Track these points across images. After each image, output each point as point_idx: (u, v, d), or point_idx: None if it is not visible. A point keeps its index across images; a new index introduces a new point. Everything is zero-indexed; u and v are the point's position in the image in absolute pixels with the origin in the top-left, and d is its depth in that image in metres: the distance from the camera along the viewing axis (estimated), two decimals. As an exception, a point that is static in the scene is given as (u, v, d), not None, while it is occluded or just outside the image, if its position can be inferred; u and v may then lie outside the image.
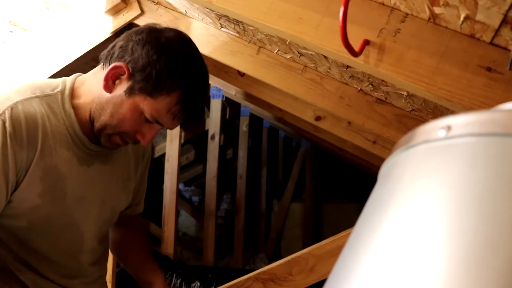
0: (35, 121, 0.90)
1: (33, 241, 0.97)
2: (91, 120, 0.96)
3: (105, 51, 0.97)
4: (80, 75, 1.02)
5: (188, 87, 0.92)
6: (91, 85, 0.97)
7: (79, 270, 1.06)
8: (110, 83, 0.93)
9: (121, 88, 0.92)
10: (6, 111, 0.87)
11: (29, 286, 0.99)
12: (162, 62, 0.89)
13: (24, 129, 0.88)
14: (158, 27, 0.96)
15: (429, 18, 0.71)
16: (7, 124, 0.86)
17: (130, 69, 0.91)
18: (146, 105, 0.91)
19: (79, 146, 0.97)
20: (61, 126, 0.94)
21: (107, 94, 0.94)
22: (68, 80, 1.00)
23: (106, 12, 1.57)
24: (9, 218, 0.93)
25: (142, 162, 1.20)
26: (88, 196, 1.01)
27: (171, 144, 3.06)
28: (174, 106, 0.91)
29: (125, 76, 0.92)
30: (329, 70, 1.38)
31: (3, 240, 0.96)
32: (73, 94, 0.98)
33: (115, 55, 0.94)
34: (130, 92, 0.92)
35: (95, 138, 0.99)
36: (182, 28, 1.47)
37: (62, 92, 0.97)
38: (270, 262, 4.06)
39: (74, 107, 0.97)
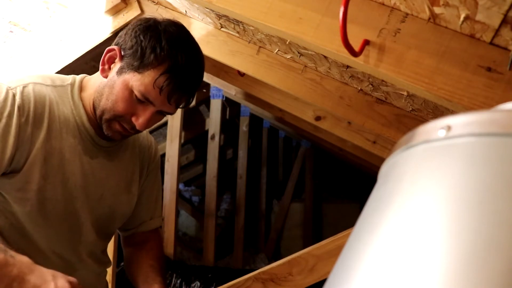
0: (43, 103, 0.95)
1: (34, 230, 0.97)
2: (94, 110, 1.01)
3: None
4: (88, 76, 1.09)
5: (173, 60, 0.93)
6: (96, 79, 1.03)
7: (78, 262, 1.06)
8: (106, 67, 0.99)
9: (115, 70, 0.97)
10: (18, 87, 0.93)
11: None
12: (147, 39, 0.94)
13: (32, 106, 0.93)
14: (154, 17, 1.01)
15: (429, 18, 0.71)
16: (17, 97, 0.92)
17: (121, 51, 0.96)
18: (134, 81, 0.94)
19: (85, 136, 1.01)
20: (69, 114, 1.00)
21: (104, 80, 0.99)
22: (77, 76, 1.06)
23: (106, 12, 1.57)
24: (16, 202, 0.95)
25: (148, 170, 1.19)
26: (88, 187, 1.02)
27: (171, 144, 3.07)
28: (159, 78, 0.92)
29: (118, 59, 0.97)
30: (329, 70, 1.38)
31: (4, 233, 0.96)
32: (81, 87, 1.04)
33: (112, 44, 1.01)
34: (120, 71, 0.96)
35: (101, 132, 1.02)
36: (182, 28, 1.47)
37: (72, 84, 1.03)
38: (270, 262, 4.06)
39: (82, 99, 1.02)
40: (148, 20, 0.98)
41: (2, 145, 0.88)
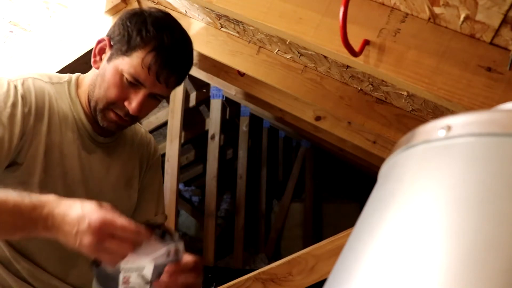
0: (43, 97, 0.97)
1: None
2: (89, 103, 1.02)
3: None
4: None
5: (159, 40, 0.95)
6: (89, 75, 1.05)
7: (77, 258, 1.05)
8: (97, 58, 1.01)
9: (105, 59, 0.99)
10: (19, 80, 0.95)
11: (25, 276, 0.99)
12: (133, 23, 0.96)
13: (33, 98, 0.95)
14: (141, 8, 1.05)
15: (429, 18, 0.71)
16: (19, 88, 0.93)
17: (110, 40, 0.99)
18: (124, 64, 0.95)
19: (83, 132, 1.03)
20: (67, 110, 1.01)
21: (96, 71, 1.01)
22: (73, 75, 1.08)
23: (106, 12, 1.58)
24: None
25: (147, 165, 1.19)
26: (87, 182, 1.03)
27: (171, 144, 3.06)
28: (146, 57, 0.94)
29: (107, 48, 0.99)
30: (329, 70, 1.38)
31: None
32: (77, 85, 1.06)
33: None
34: (110, 58, 0.98)
35: (98, 129, 1.04)
36: (182, 28, 1.47)
37: (69, 82, 1.05)
38: (270, 262, 4.06)
39: (78, 96, 1.04)
40: (134, 9, 1.02)
41: (10, 133, 0.89)
